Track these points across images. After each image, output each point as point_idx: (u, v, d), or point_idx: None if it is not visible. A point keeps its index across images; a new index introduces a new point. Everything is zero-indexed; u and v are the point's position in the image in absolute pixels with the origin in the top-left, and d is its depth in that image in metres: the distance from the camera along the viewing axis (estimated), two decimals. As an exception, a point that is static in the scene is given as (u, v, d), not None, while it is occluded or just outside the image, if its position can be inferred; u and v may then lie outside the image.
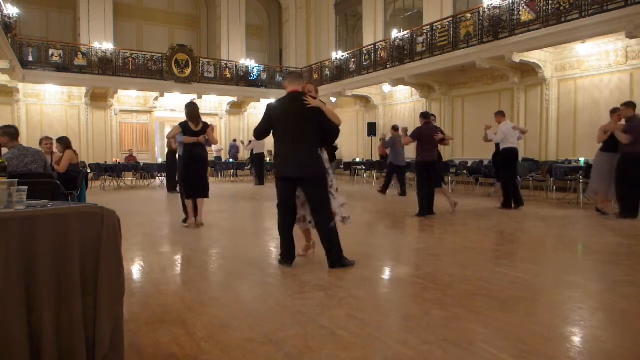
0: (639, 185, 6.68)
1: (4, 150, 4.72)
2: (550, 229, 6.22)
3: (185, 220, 6.46)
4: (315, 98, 4.06)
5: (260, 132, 4.22)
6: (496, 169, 8.74)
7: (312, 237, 4.44)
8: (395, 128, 10.95)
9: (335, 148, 4.60)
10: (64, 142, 6.79)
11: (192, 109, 6.32)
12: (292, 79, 4.19)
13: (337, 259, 3.98)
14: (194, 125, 6.18)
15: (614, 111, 7.11)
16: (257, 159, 14.51)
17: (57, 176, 5.63)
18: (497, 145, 8.25)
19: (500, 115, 8.21)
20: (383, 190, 10.84)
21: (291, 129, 3.97)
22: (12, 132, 4.85)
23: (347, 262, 4.02)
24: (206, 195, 6.38)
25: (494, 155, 8.84)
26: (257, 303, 3.15)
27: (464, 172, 11.93)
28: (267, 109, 4.16)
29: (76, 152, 6.90)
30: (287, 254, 4.10)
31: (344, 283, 3.63)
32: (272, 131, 4.14)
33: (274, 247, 4.94)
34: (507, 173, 8.06)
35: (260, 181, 14.42)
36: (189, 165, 6.20)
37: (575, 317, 2.83)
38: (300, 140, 3.97)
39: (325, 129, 4.03)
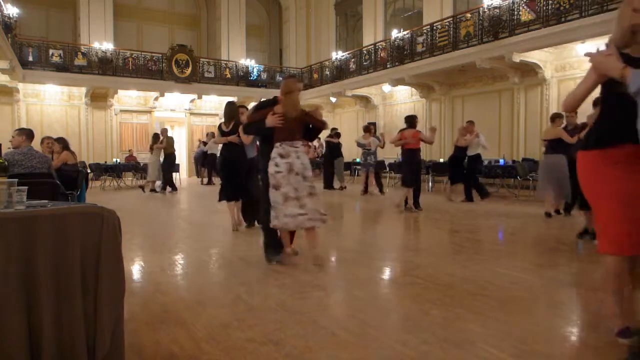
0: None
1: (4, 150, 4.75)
2: (550, 229, 6.21)
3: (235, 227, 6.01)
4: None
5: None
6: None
7: (318, 238, 4.27)
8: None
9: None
10: (63, 142, 6.98)
11: (225, 108, 6.32)
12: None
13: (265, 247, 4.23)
14: (225, 126, 6.14)
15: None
16: (211, 159, 13.88)
17: (57, 176, 5.64)
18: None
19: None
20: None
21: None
22: (27, 133, 5.00)
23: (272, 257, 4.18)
24: (244, 197, 5.97)
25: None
26: (257, 303, 3.15)
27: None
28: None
29: (74, 153, 6.98)
30: (278, 246, 4.16)
31: (344, 283, 3.63)
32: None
33: (274, 247, 4.93)
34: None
35: (209, 181, 14.72)
36: (223, 167, 6.07)
37: (575, 317, 2.83)
38: None
39: None
